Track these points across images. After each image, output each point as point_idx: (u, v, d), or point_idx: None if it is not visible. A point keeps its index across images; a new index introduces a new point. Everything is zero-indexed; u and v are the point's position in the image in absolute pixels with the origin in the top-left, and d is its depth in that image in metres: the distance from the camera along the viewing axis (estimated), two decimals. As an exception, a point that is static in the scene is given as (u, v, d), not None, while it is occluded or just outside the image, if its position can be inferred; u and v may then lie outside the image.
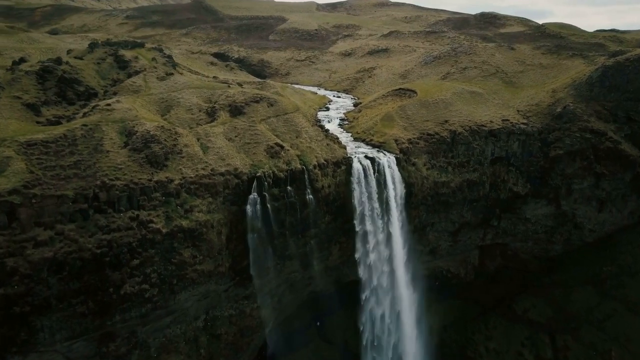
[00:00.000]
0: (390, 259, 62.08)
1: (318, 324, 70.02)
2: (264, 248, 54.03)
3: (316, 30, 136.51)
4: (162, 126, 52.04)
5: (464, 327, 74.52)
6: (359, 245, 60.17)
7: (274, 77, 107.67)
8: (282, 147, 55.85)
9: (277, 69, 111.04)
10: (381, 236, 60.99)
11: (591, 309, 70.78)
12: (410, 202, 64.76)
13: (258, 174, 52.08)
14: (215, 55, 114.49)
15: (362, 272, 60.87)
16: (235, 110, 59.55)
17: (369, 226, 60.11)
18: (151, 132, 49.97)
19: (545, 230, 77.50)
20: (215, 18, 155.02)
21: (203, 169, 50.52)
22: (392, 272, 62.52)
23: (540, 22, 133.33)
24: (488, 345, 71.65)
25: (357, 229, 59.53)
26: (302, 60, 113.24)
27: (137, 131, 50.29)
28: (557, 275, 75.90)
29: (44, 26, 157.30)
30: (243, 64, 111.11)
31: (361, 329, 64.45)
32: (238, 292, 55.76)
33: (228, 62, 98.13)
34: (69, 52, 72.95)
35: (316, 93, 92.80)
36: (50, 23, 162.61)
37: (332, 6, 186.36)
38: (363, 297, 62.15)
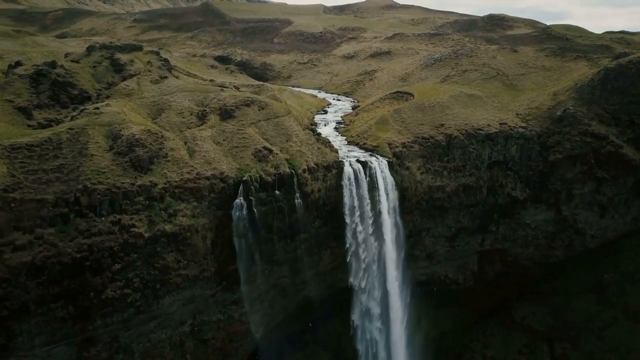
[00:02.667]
0: (382, 264, 61.24)
1: (310, 325, 69.01)
2: (251, 253, 53.52)
3: (321, 33, 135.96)
4: (148, 130, 51.85)
5: (462, 334, 73.43)
6: (349, 250, 59.37)
7: (275, 80, 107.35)
8: (270, 150, 55.37)
9: (280, 72, 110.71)
10: (373, 241, 60.18)
11: (591, 317, 69.23)
12: (403, 206, 63.86)
13: (244, 178, 51.64)
14: (219, 58, 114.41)
15: (352, 277, 60.08)
16: (225, 114, 59.22)
17: (360, 231, 59.37)
18: (136, 136, 49.80)
19: (545, 236, 75.90)
20: (222, 21, 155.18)
21: (188, 172, 50.24)
22: (384, 278, 61.66)
23: (559, 24, 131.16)
24: (485, 353, 70.53)
25: (348, 233, 58.81)
26: (304, 63, 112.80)
27: (122, 135, 50.14)
28: (558, 281, 74.36)
29: (55, 30, 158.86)
30: (245, 67, 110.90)
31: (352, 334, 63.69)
32: (226, 297, 55.27)
33: (228, 65, 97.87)
34: (66, 55, 73.20)
35: (316, 96, 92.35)
36: (61, 27, 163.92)
37: (340, 9, 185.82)
38: (354, 302, 61.36)
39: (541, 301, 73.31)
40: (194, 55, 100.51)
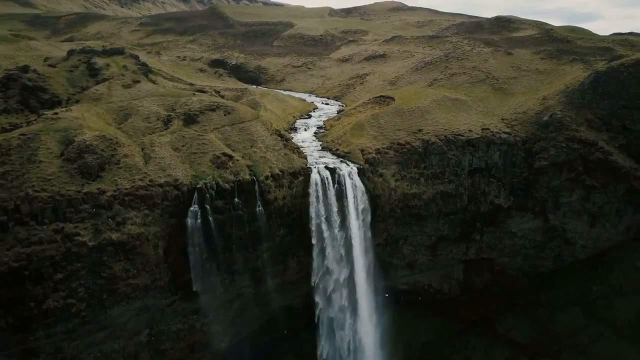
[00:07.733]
0: (350, 274, 59.28)
1: (285, 332, 67.17)
2: (207, 262, 52.00)
3: (321, 35, 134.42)
4: (102, 135, 50.81)
5: (444, 345, 70.83)
6: (315, 260, 57.52)
7: (268, 83, 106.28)
8: (230, 157, 53.78)
9: (273, 76, 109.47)
10: (341, 250, 58.25)
11: (576, 331, 66.14)
12: (376, 214, 61.76)
13: (199, 185, 50.22)
14: (215, 61, 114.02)
15: (317, 290, 58.27)
16: (189, 119, 57.94)
17: (327, 240, 57.51)
18: (87, 142, 48.78)
19: (534, 245, 73.05)
20: (226, 24, 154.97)
21: (141, 179, 49.00)
22: (352, 289, 59.67)
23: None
24: (465, 366, 67.87)
25: (314, 243, 56.97)
26: (298, 67, 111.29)
27: (75, 141, 49.24)
28: (545, 293, 71.36)
29: (66, 34, 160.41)
30: (239, 70, 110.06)
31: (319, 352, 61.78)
32: (185, 307, 53.88)
33: (217, 69, 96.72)
34: (46, 59, 73.10)
35: (304, 100, 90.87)
36: (72, 31, 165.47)
37: (347, 11, 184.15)
38: (320, 320, 59.56)
39: (527, 313, 70.37)
40: (183, 59, 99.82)
